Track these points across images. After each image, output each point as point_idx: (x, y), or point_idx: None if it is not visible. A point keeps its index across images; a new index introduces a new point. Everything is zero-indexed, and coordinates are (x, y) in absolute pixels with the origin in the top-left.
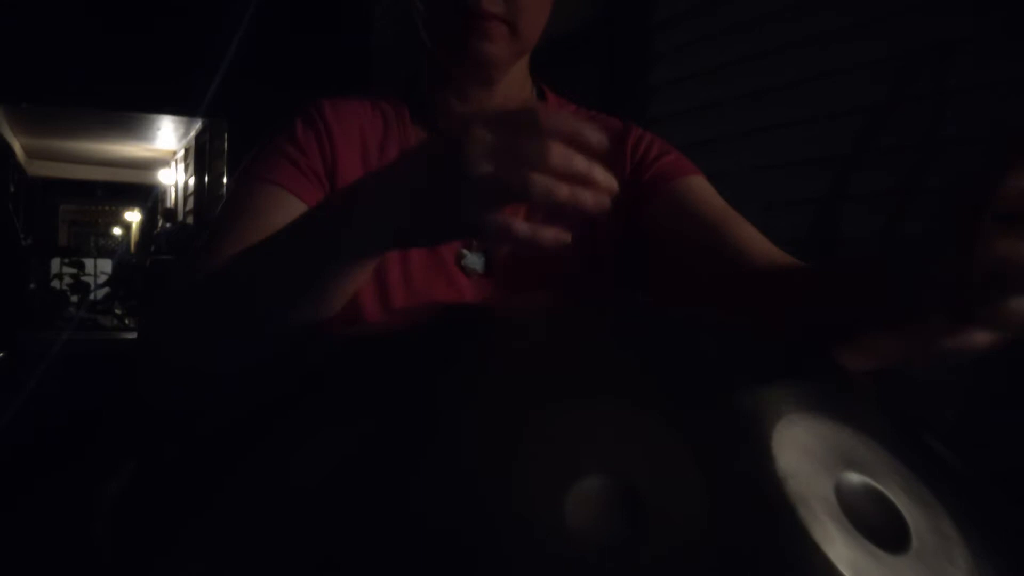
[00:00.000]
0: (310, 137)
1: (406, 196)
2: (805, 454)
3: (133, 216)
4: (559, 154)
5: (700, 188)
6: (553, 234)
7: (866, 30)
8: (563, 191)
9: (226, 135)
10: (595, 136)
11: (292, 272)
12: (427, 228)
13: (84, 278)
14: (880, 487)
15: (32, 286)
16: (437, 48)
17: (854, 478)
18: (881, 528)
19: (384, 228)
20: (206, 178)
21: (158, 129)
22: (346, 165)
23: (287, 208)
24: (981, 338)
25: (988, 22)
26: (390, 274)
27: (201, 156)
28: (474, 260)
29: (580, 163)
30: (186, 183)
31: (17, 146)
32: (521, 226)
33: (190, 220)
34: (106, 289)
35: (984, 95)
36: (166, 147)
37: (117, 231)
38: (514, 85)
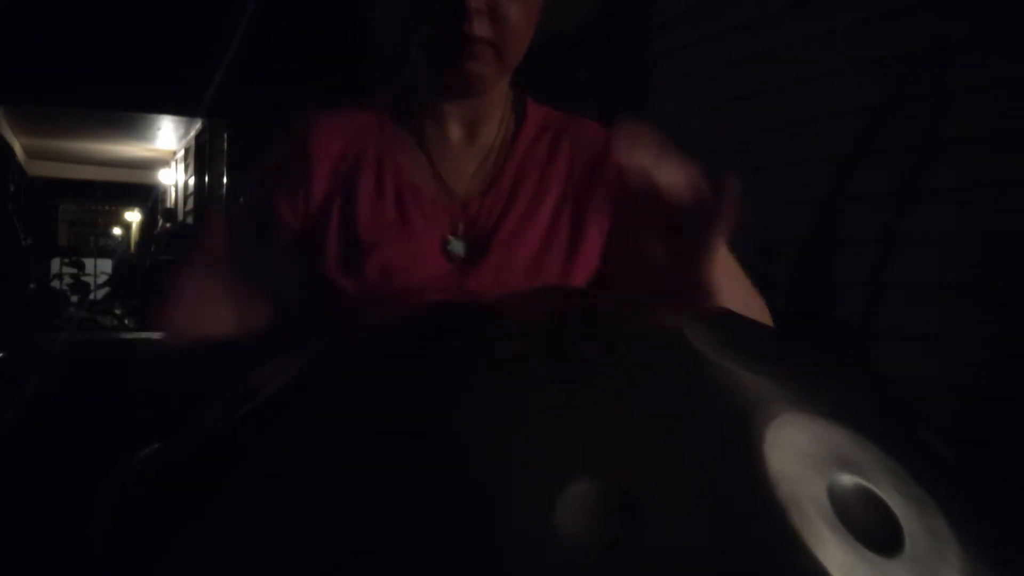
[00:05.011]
0: (285, 173)
1: None
2: (798, 455)
3: (133, 216)
4: None
5: None
6: None
7: (866, 30)
8: None
9: (226, 135)
10: None
11: None
12: None
13: (84, 278)
14: (873, 488)
15: (32, 286)
16: (429, 65)
17: (847, 479)
18: (874, 530)
19: None
20: (206, 178)
21: (158, 129)
22: (318, 181)
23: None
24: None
25: (988, 22)
26: (368, 264)
27: (201, 156)
28: (457, 245)
29: None
30: (186, 183)
31: (17, 146)
32: None
33: (190, 220)
34: (106, 289)
35: (984, 95)
36: (166, 147)
37: (117, 231)
38: (496, 95)
